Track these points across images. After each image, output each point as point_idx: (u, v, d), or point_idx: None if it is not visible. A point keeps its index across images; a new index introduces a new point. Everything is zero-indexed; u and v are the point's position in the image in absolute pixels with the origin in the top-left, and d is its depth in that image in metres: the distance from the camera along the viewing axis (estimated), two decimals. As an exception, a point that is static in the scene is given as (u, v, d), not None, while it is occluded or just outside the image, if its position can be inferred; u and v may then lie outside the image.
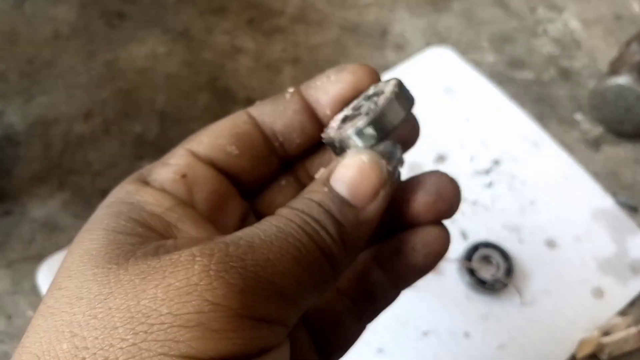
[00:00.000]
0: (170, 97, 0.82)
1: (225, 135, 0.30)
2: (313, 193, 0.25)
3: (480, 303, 0.64)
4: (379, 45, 0.89)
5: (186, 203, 0.27)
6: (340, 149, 0.27)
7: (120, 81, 0.84)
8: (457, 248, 0.67)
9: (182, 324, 0.19)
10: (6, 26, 0.91)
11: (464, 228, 0.70)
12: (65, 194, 0.73)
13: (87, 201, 0.72)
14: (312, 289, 0.23)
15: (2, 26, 0.91)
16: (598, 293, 0.66)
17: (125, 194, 0.27)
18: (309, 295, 0.23)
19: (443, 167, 0.74)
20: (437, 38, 0.90)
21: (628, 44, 0.80)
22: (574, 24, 0.92)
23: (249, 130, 0.30)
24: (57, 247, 0.68)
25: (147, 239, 0.24)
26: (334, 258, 0.24)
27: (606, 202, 0.73)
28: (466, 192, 0.73)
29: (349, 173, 0.25)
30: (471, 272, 0.65)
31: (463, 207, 0.72)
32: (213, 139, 0.30)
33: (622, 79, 0.75)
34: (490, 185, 0.74)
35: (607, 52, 0.87)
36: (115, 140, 0.78)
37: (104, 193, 0.77)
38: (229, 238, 0.23)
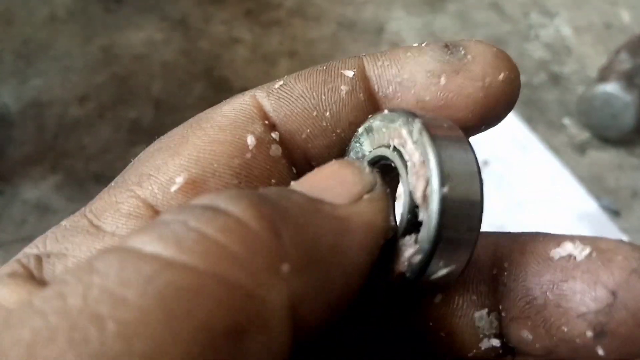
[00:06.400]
0: (166, 84, 0.83)
1: (219, 157, 0.17)
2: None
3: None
4: (375, 42, 0.90)
5: None
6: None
7: (116, 66, 0.84)
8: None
9: None
10: (1, 6, 0.90)
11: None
12: (58, 177, 0.73)
13: (80, 184, 0.73)
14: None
15: (-3, 6, 0.90)
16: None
17: None
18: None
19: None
20: (432, 38, 0.91)
21: (617, 52, 0.83)
22: (566, 31, 0.94)
23: (267, 155, 0.17)
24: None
25: None
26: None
27: (590, 205, 0.75)
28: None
29: (317, 173, 0.17)
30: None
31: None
32: (196, 163, 0.17)
33: (610, 87, 0.77)
34: (478, 184, 0.76)
35: (596, 59, 0.89)
36: (109, 125, 0.78)
37: (97, 177, 0.77)
38: None
